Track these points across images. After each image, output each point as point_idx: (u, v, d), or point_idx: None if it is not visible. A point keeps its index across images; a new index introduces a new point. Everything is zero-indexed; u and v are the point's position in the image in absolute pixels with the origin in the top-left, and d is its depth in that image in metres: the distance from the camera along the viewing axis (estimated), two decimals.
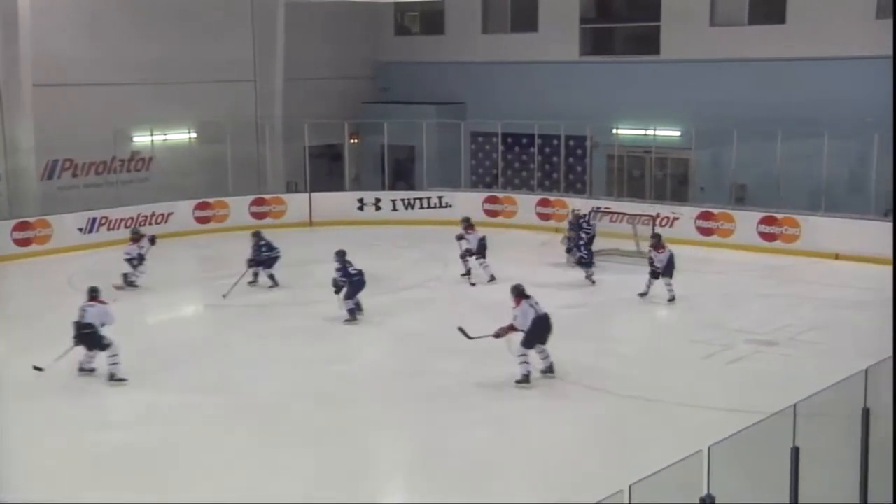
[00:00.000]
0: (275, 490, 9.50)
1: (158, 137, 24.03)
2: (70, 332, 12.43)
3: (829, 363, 12.34)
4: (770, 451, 7.05)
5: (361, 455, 10.54)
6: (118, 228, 21.13)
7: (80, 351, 12.50)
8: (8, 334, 15.47)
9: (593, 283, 17.50)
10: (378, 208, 24.18)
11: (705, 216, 21.22)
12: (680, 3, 23.70)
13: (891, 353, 8.39)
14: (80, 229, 21.07)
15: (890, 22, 18.17)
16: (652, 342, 14.65)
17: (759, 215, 20.60)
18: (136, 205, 22.03)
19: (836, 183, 20.37)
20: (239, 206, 23.44)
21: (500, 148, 25.25)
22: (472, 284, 17.81)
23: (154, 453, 10.40)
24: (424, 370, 13.14)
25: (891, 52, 16.18)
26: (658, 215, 20.40)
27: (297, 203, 23.98)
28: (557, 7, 25.23)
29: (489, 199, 24.11)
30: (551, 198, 23.56)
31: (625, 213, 20.30)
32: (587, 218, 19.13)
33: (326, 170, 26.15)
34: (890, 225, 18.10)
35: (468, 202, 23.35)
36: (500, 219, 23.66)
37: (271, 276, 17.36)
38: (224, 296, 16.48)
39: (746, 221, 20.69)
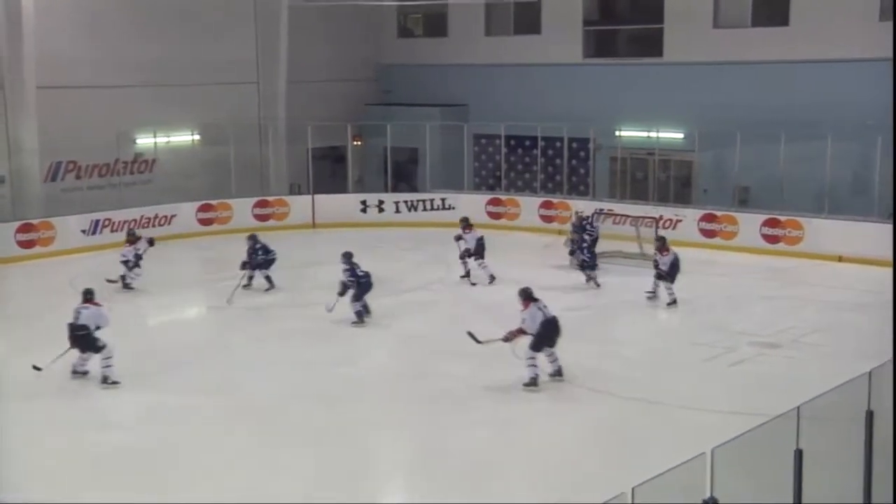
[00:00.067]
0: (275, 490, 9.50)
1: (161, 139, 24.06)
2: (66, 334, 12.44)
3: (832, 365, 12.33)
4: (773, 454, 7.04)
5: (362, 455, 10.54)
6: (121, 230, 21.06)
7: (77, 352, 12.51)
8: (9, 335, 15.51)
9: (598, 286, 17.45)
10: (381, 210, 24.19)
11: (708, 218, 21.21)
12: (683, 5, 23.68)
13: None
14: (84, 231, 21.08)
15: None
16: (655, 344, 14.63)
17: (763, 217, 20.58)
18: (139, 207, 22.06)
19: (839, 185, 20.34)
20: (242, 209, 23.45)
21: (504, 150, 25.25)
22: (473, 284, 17.85)
23: (154, 453, 10.41)
24: (427, 372, 13.13)
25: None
26: (661, 217, 20.39)
27: (300, 205, 23.98)
28: (560, 9, 25.21)
29: (492, 202, 24.11)
30: (554, 200, 23.54)
31: (628, 216, 20.29)
32: (590, 220, 19.12)
33: (330, 172, 26.15)
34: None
35: (471, 204, 23.33)
36: (503, 221, 23.65)
37: (268, 278, 17.32)
38: (228, 301, 16.45)
39: (750, 224, 20.68)
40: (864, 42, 20.49)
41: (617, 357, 13.67)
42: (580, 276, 17.71)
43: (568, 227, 19.91)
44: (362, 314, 15.24)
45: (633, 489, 5.74)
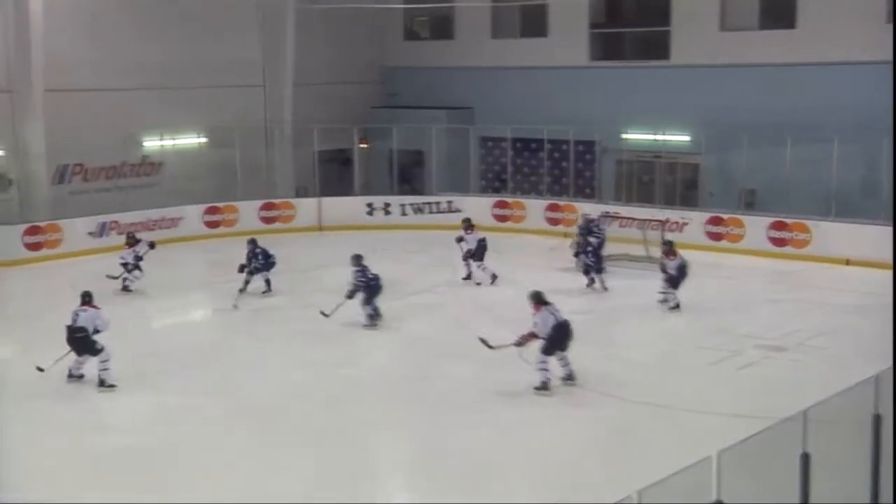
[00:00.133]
0: (275, 490, 9.51)
1: (168, 142, 24.11)
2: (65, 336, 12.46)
3: (839, 369, 12.30)
4: (779, 457, 7.02)
5: (363, 455, 10.55)
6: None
7: (74, 355, 12.51)
8: (12, 335, 15.62)
9: (606, 289, 17.39)
10: (387, 213, 24.21)
11: (715, 221, 21.18)
12: (689, 8, 23.66)
13: None
14: (91, 233, 21.13)
15: None
16: (661, 348, 14.60)
17: (769, 220, 20.55)
18: (145, 209, 22.10)
19: (846, 188, 20.29)
20: (248, 211, 23.49)
21: (510, 153, 25.24)
22: (478, 284, 17.94)
23: (154, 454, 10.43)
24: (431, 374, 13.14)
25: None
26: (667, 220, 20.36)
27: (306, 208, 24.01)
28: (567, 12, 25.19)
29: (498, 204, 24.11)
30: (560, 203, 23.54)
31: (634, 219, 20.27)
32: (597, 223, 19.11)
33: (336, 175, 26.17)
34: None
35: (477, 207, 23.36)
36: (509, 223, 23.65)
37: (267, 282, 17.25)
38: (235, 306, 16.45)
39: (756, 227, 20.65)
40: (870, 45, 20.43)
41: (622, 360, 13.64)
42: (584, 280, 17.66)
43: (574, 229, 19.90)
44: (374, 317, 15.23)
45: (639, 492, 5.73)
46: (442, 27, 27.97)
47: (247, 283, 17.03)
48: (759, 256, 20.17)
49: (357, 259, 15.49)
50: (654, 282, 16.54)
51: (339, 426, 11.18)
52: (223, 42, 24.47)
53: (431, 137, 24.91)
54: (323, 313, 15.34)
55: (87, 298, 12.74)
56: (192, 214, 22.90)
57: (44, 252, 20.41)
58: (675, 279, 16.06)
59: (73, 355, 12.51)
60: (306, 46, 25.55)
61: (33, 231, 20.45)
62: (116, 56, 22.56)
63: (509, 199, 24.25)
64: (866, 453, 7.59)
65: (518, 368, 12.19)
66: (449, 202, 24.07)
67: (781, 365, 13.47)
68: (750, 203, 21.94)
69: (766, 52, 22.38)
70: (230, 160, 23.83)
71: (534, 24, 26.13)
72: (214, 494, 9.37)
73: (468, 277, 18.20)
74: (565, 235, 21.49)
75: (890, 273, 16.91)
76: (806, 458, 6.90)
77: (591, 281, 17.50)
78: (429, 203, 24.25)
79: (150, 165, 24.03)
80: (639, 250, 19.57)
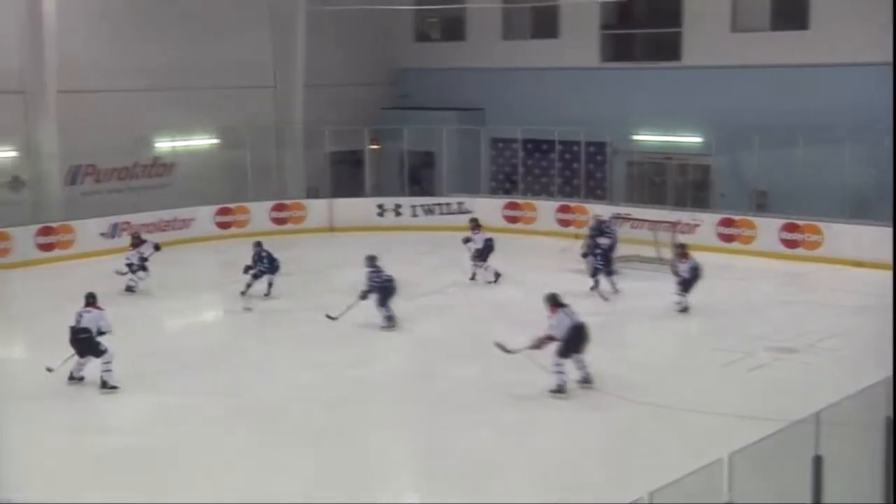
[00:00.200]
0: (276, 490, 9.52)
1: (180, 143, 24.19)
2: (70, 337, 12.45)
3: (850, 371, 12.25)
4: (791, 460, 7.00)
5: (367, 456, 10.56)
6: (140, 234, 21.17)
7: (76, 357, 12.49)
8: (23, 335, 15.76)
9: (617, 291, 17.27)
10: (398, 214, 24.23)
11: (726, 223, 21.14)
12: (701, 9, 23.62)
13: None
14: (103, 234, 21.20)
15: None
16: (672, 349, 14.59)
17: (781, 222, 20.50)
18: (157, 210, 22.18)
19: (859, 190, 20.22)
20: (259, 212, 23.54)
21: (520, 154, 25.24)
22: (489, 282, 18.06)
23: (156, 454, 10.42)
24: (440, 375, 13.14)
25: None
26: (679, 222, 20.32)
27: (317, 209, 24.05)
28: (578, 13, 25.17)
29: (509, 206, 24.10)
30: (571, 204, 23.51)
31: (645, 220, 20.23)
32: (608, 223, 19.10)
33: (347, 176, 26.21)
34: None
35: (488, 208, 23.36)
36: (519, 225, 23.65)
37: (269, 284, 17.10)
38: (247, 308, 16.44)
39: (768, 228, 20.60)
40: (883, 46, 20.29)
41: (633, 362, 13.62)
42: (604, 280, 17.52)
43: (585, 230, 19.85)
44: (392, 318, 15.22)
45: (650, 493, 5.73)
46: (453, 28, 27.98)
47: (248, 285, 16.97)
48: (770, 258, 20.12)
49: (371, 260, 15.49)
50: (666, 284, 16.50)
51: (346, 427, 11.17)
52: (234, 44, 24.53)
53: (442, 139, 24.92)
54: (330, 316, 15.34)
55: (90, 300, 12.73)
56: (204, 215, 22.96)
57: (56, 253, 20.50)
58: (687, 282, 16.01)
59: (77, 356, 12.50)
60: (317, 48, 25.59)
61: (46, 232, 20.55)
62: (129, 57, 22.64)
63: (520, 201, 24.24)
64: (879, 456, 7.56)
65: (527, 370, 12.18)
66: (459, 203, 24.07)
67: (793, 367, 13.43)
68: (761, 205, 21.88)
69: (777, 53, 22.32)
70: (241, 161, 23.89)
71: (545, 25, 26.11)
72: (215, 494, 9.37)
73: (474, 278, 18.25)
74: (576, 237, 21.43)
75: None
76: (818, 461, 6.88)
77: (596, 283, 17.33)
78: (439, 204, 24.26)
79: (162, 166, 24.11)
80: (650, 252, 19.54)
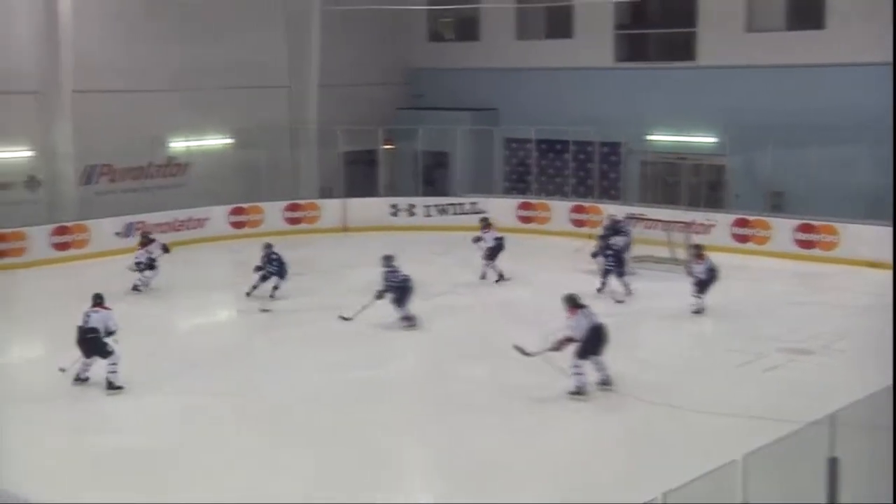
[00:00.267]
0: (284, 490, 9.51)
1: (194, 143, 24.27)
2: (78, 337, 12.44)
3: (864, 372, 12.17)
4: (806, 461, 6.97)
5: (388, 457, 10.57)
6: (155, 233, 21.22)
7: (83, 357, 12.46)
8: (36, 335, 15.84)
9: (630, 293, 17.10)
10: (412, 214, 24.24)
11: (741, 223, 21.06)
12: (716, 9, 23.54)
13: None
14: (118, 234, 21.29)
15: None
16: (685, 350, 14.53)
17: (796, 223, 20.40)
18: (171, 210, 22.25)
19: (875, 190, 20.08)
20: (273, 212, 23.59)
21: (534, 154, 25.21)
22: (506, 280, 18.10)
23: (162, 455, 10.40)
24: (453, 376, 13.13)
25: None
26: (693, 222, 20.25)
27: (330, 209, 24.08)
28: (592, 13, 25.13)
29: (523, 206, 24.07)
30: (585, 204, 23.47)
31: (659, 220, 20.17)
32: (623, 223, 19.07)
33: (361, 176, 26.23)
34: None
35: (502, 208, 23.35)
36: (533, 225, 23.63)
37: (275, 287, 16.98)
38: (266, 310, 16.39)
39: (783, 229, 20.51)
40: None
41: (647, 363, 13.57)
42: (613, 282, 17.45)
43: (599, 230, 19.80)
44: (413, 317, 15.19)
45: (664, 494, 5.71)
46: (467, 28, 27.98)
47: (254, 286, 16.96)
48: (785, 259, 20.03)
49: (388, 259, 15.48)
50: (679, 284, 16.44)
51: (356, 427, 11.15)
52: (249, 44, 24.59)
53: (456, 139, 24.91)
54: (344, 317, 15.34)
55: (98, 300, 12.70)
56: (218, 215, 23.03)
57: (71, 252, 20.59)
58: (703, 283, 15.92)
59: (83, 356, 12.45)
60: (331, 48, 25.63)
61: (61, 231, 20.65)
62: (144, 58, 22.74)
63: (534, 201, 24.21)
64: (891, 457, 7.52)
65: (539, 371, 12.15)
66: (473, 203, 24.05)
67: (807, 368, 13.37)
68: (776, 205, 21.79)
69: (793, 53, 22.22)
70: (255, 161, 23.95)
71: (559, 25, 26.08)
72: (217, 495, 9.38)
73: (485, 277, 18.32)
74: (590, 237, 21.38)
75: None
76: (834, 463, 6.84)
77: (603, 284, 17.15)
78: (453, 204, 24.25)
79: (177, 166, 24.19)
80: (664, 252, 19.47)
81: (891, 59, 20.37)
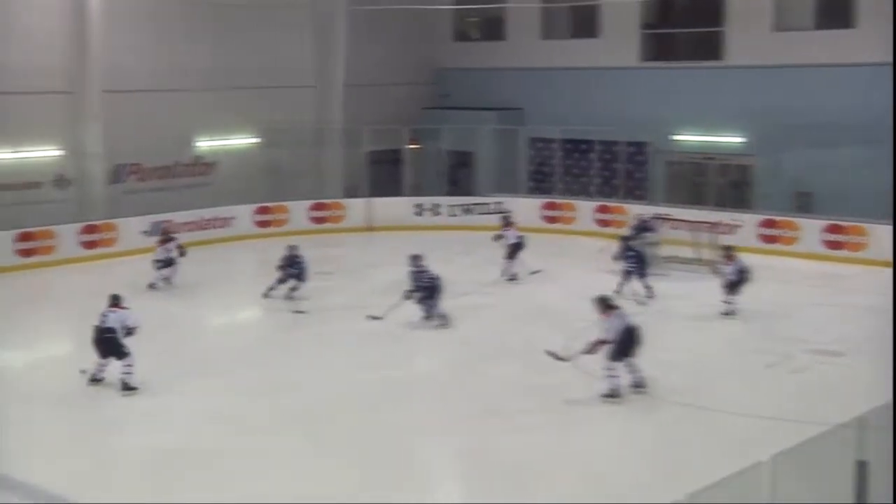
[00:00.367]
0: (303, 491, 9.48)
1: (221, 142, 24.41)
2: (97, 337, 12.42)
3: (893, 375, 12.04)
4: (833, 463, 6.92)
5: (412, 458, 10.58)
6: (181, 232, 21.34)
7: (98, 358, 12.43)
8: (65, 334, 15.93)
9: (652, 295, 16.80)
10: (436, 214, 24.26)
11: (768, 224, 20.91)
12: (743, 8, 23.39)
13: None
14: (145, 232, 21.43)
15: None
16: (712, 351, 14.44)
17: (824, 223, 20.23)
18: (198, 209, 22.39)
19: None
20: (298, 211, 23.69)
21: (559, 154, 25.14)
22: (534, 272, 18.14)
23: (171, 455, 10.43)
24: (481, 375, 13.11)
25: None
26: (719, 223, 20.13)
27: (356, 208, 24.14)
28: (618, 13, 25.05)
29: (547, 206, 24.02)
30: (610, 204, 23.40)
31: (685, 220, 20.07)
32: (651, 222, 19.01)
33: (386, 175, 26.28)
34: None
35: (526, 208, 23.31)
36: (558, 225, 23.57)
37: (292, 289, 16.92)
38: (301, 311, 16.30)
39: (811, 229, 20.35)
40: None
41: (673, 363, 13.47)
42: (637, 283, 17.33)
43: (625, 230, 19.72)
44: (445, 316, 15.20)
45: (691, 495, 5.69)
46: (492, 28, 27.96)
47: (271, 289, 16.98)
48: (813, 260, 19.88)
49: (415, 259, 15.48)
50: (705, 284, 16.37)
51: (385, 428, 11.15)
52: (276, 44, 24.71)
53: (481, 138, 24.88)
54: (373, 316, 15.36)
55: (115, 300, 12.67)
56: (244, 214, 23.15)
57: (99, 250, 20.76)
58: (733, 284, 15.77)
59: (99, 357, 12.43)
60: (357, 47, 25.69)
61: (90, 230, 20.82)
62: (172, 58, 22.92)
63: (559, 201, 24.15)
64: None
65: (565, 371, 12.13)
66: (498, 203, 24.03)
67: (835, 370, 13.27)
68: (803, 206, 21.61)
69: (821, 52, 22.03)
70: (281, 161, 24.05)
71: (585, 24, 26.01)
72: (241, 495, 9.41)
73: (514, 277, 18.32)
74: (615, 237, 21.32)
75: None
76: (862, 466, 6.79)
77: (621, 286, 16.80)
78: (478, 204, 24.24)
79: (203, 166, 24.34)
80: (689, 253, 19.37)
81: None
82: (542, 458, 10.35)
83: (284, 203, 23.70)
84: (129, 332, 12.40)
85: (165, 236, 18.47)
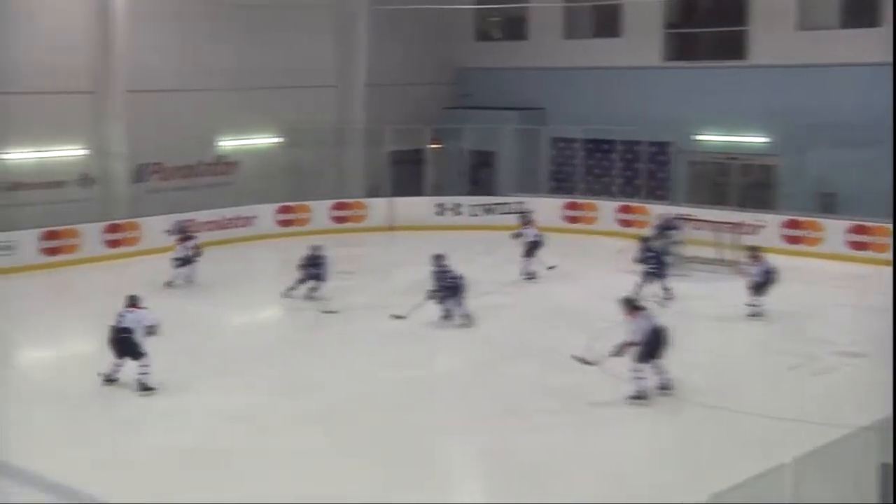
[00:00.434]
0: (325, 491, 9.48)
1: (243, 142, 24.52)
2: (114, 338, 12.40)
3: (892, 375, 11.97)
4: (857, 466, 6.87)
5: (432, 457, 10.58)
6: (203, 231, 21.44)
7: (114, 358, 12.42)
8: (88, 334, 15.97)
9: (671, 297, 16.66)
10: (458, 213, 24.25)
11: (792, 224, 20.77)
12: (767, 7, 23.24)
13: None
14: (168, 231, 21.52)
15: None
16: (735, 352, 14.37)
17: (848, 224, 20.08)
18: (220, 208, 22.50)
19: None
20: (320, 211, 23.75)
21: (581, 153, 25.08)
22: (550, 268, 18.10)
23: (186, 455, 10.43)
24: (501, 375, 13.11)
25: None
26: (742, 223, 20.01)
27: (377, 208, 24.17)
28: (641, 12, 24.95)
29: (569, 205, 23.97)
30: (632, 204, 23.32)
31: (707, 221, 19.97)
32: (675, 222, 18.95)
33: (408, 175, 26.29)
34: None
35: (548, 208, 23.25)
36: (580, 225, 23.51)
37: (311, 289, 16.98)
38: (332, 311, 16.25)
39: (835, 230, 20.21)
40: None
41: (695, 364, 13.39)
42: (656, 285, 17.21)
43: (648, 230, 19.64)
44: (469, 315, 15.21)
45: (713, 495, 5.66)
46: (514, 28, 27.93)
47: (290, 289, 17.00)
48: (837, 260, 19.73)
49: (438, 259, 15.48)
50: (727, 285, 16.29)
51: (407, 427, 11.16)
52: (297, 43, 24.78)
53: (503, 138, 24.85)
54: (397, 316, 15.36)
55: (132, 301, 12.64)
56: (266, 213, 23.23)
57: (122, 249, 20.90)
58: (759, 285, 15.64)
59: (115, 357, 12.41)
60: (379, 47, 25.73)
61: (113, 229, 20.96)
62: (195, 58, 23.03)
63: (580, 201, 24.09)
64: None
65: (587, 371, 12.10)
66: (519, 203, 23.98)
67: (859, 372, 13.16)
68: (827, 206, 21.45)
69: (847, 51, 21.84)
70: (303, 160, 24.12)
71: (607, 24, 25.93)
72: (264, 495, 9.44)
73: (532, 276, 18.33)
74: (637, 237, 21.24)
75: None
76: (886, 469, 6.73)
77: (640, 287, 16.54)
78: (499, 204, 24.22)
79: (226, 165, 24.45)
80: (711, 253, 19.26)
81: None
82: (563, 459, 10.34)
83: (306, 202, 23.76)
84: (151, 331, 12.39)
85: (184, 234, 18.56)
